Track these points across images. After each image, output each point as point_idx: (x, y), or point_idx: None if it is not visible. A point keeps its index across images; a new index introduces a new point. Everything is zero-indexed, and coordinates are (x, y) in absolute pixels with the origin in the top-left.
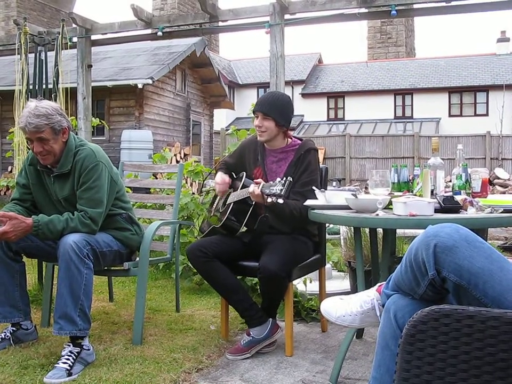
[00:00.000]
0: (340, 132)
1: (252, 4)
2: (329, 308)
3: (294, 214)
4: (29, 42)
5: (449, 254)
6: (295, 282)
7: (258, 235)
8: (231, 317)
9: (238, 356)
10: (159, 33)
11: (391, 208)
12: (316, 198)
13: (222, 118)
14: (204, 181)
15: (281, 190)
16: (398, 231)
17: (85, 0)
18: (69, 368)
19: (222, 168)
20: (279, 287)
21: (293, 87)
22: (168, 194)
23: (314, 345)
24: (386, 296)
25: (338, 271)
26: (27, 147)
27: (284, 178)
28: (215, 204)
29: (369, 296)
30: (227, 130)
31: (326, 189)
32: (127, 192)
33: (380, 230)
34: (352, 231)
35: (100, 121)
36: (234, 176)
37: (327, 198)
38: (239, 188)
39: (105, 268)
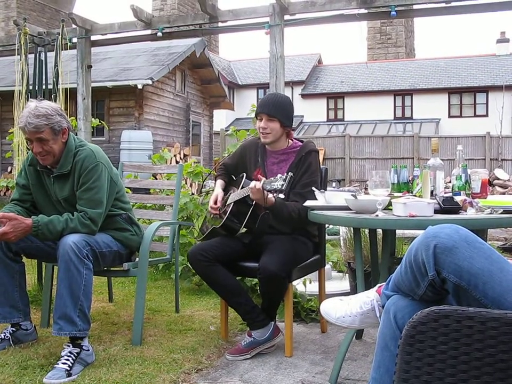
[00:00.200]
0: (339, 133)
1: (252, 5)
2: (328, 308)
3: (292, 216)
4: (29, 42)
5: (449, 254)
6: (294, 283)
7: (258, 235)
8: (231, 317)
9: (238, 356)
10: (159, 34)
11: (391, 209)
12: (316, 199)
13: (221, 118)
14: (203, 182)
15: (282, 185)
16: (397, 231)
17: (85, 1)
18: (68, 368)
19: (222, 175)
20: (278, 288)
21: (292, 88)
22: (167, 195)
23: (314, 346)
24: (386, 297)
25: (338, 271)
26: (27, 147)
27: (285, 174)
28: None
29: (368, 297)
30: (227, 131)
31: (325, 190)
32: (126, 192)
33: (379, 231)
34: (352, 231)
35: (100, 122)
36: (234, 178)
37: (327, 198)
38: (239, 189)
39: (105, 268)
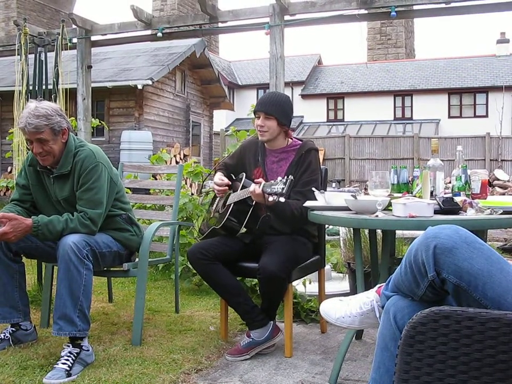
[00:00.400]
0: (339, 133)
1: (252, 5)
2: (328, 309)
3: (294, 214)
4: (29, 43)
5: (449, 255)
6: (294, 283)
7: (259, 236)
8: (231, 318)
9: (237, 357)
10: (159, 34)
11: (391, 209)
12: (316, 199)
13: (221, 119)
14: (203, 182)
15: (283, 188)
16: (397, 232)
17: (85, 1)
18: (68, 368)
19: (221, 169)
20: (278, 288)
21: (292, 88)
22: (167, 195)
23: (313, 346)
24: (386, 297)
25: (337, 272)
26: (27, 148)
27: (285, 177)
28: (214, 205)
29: (368, 298)
30: (227, 131)
31: (325, 190)
32: (126, 193)
33: (379, 231)
34: (352, 232)
35: (100, 122)
36: (234, 178)
37: (327, 199)
38: (239, 189)
39: (105, 268)
